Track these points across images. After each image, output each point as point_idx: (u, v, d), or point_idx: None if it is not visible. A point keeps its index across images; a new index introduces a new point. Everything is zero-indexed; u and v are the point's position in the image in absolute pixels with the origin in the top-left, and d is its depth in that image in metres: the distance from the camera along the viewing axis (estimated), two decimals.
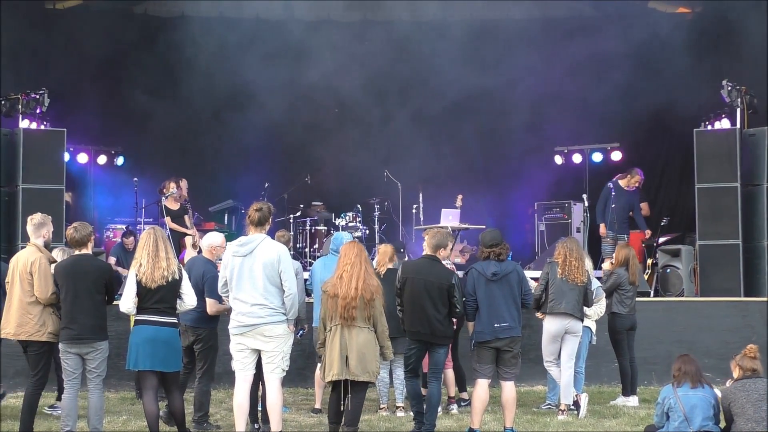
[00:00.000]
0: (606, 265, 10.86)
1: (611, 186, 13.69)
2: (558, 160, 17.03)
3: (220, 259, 8.75)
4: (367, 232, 15.52)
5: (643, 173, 13.85)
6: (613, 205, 13.51)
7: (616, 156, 16.52)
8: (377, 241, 15.38)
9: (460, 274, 13.97)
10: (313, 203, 15.95)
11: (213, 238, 9.34)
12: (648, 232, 14.00)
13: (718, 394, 7.48)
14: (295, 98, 15.92)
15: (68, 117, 14.06)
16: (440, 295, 8.57)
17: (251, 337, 7.95)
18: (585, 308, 9.87)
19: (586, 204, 14.13)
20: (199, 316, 8.86)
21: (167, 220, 13.62)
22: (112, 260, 13.62)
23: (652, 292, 13.16)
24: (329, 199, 16.25)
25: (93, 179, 16.19)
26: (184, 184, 14.06)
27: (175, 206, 13.76)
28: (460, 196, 14.49)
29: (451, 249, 9.45)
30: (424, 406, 8.69)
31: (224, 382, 10.66)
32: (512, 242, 15.52)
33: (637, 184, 13.77)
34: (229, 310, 8.30)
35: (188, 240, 10.86)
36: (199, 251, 9.79)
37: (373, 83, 15.71)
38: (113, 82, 15.71)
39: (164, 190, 13.77)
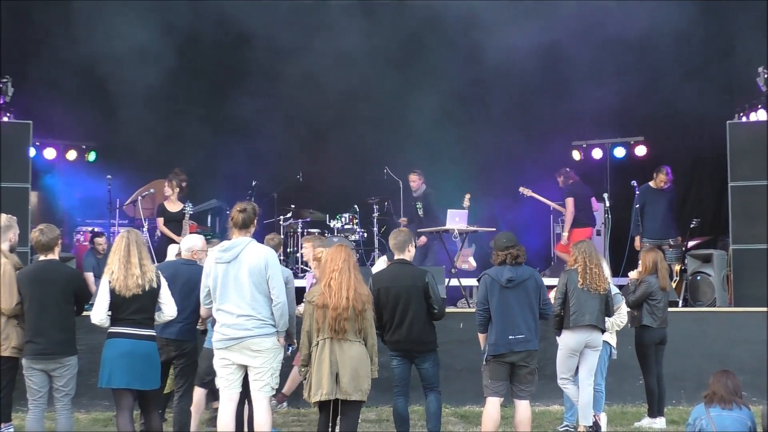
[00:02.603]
0: (633, 274, 10.79)
1: (640, 190, 13.69)
2: (576, 155, 17.00)
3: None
4: (365, 235, 15.52)
5: (670, 170, 13.81)
6: (647, 209, 13.56)
7: (641, 151, 16.50)
8: (376, 245, 15.37)
9: (468, 281, 14.23)
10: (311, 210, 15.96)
11: (193, 241, 9.31)
12: (678, 238, 13.98)
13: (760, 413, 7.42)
14: (286, 86, 15.88)
15: (34, 108, 14.02)
16: (418, 297, 8.70)
17: (237, 351, 7.90)
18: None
19: (608, 204, 14.09)
20: (184, 329, 8.79)
21: (159, 221, 13.58)
22: (90, 276, 13.31)
23: (680, 302, 13.13)
24: (323, 199, 16.22)
25: (62, 177, 16.14)
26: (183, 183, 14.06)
27: (174, 208, 13.71)
28: (467, 196, 14.43)
29: (415, 247, 9.37)
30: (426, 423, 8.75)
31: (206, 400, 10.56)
32: (525, 247, 15.59)
33: (664, 184, 13.73)
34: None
35: (172, 249, 10.62)
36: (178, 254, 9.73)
37: (372, 71, 15.69)
38: (83, 69, 15.64)
39: (170, 188, 13.66)
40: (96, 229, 14.56)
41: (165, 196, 13.87)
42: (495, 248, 8.91)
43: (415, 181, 14.90)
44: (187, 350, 8.94)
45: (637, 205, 13.66)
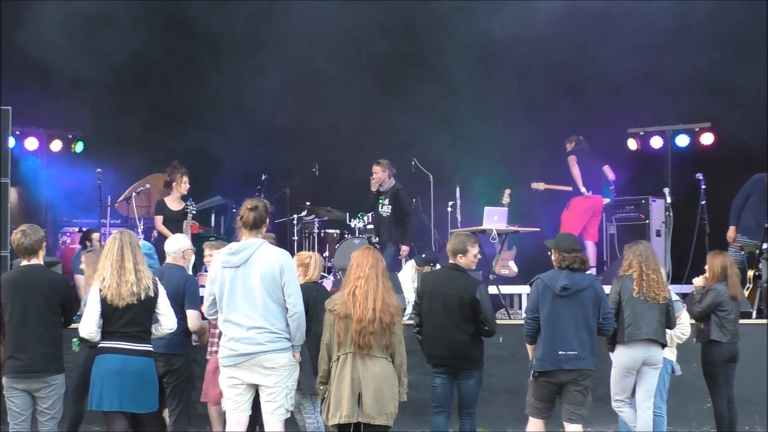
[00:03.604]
0: (698, 281, 10.73)
1: (753, 180, 13.70)
2: (632, 144, 16.90)
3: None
4: None
5: None
6: (751, 202, 13.62)
7: (707, 139, 16.39)
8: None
9: (508, 289, 14.18)
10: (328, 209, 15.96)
11: (181, 241, 9.44)
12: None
13: None
14: (299, 67, 15.89)
15: (13, 93, 14.07)
16: (462, 311, 8.83)
17: (247, 369, 7.88)
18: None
19: (669, 200, 14.03)
20: (174, 340, 8.83)
21: (158, 219, 13.61)
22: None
23: (754, 313, 13.03)
24: (342, 195, 16.21)
25: (45, 170, 16.21)
26: (186, 177, 14.07)
27: (177, 206, 13.74)
28: (507, 191, 14.41)
29: (475, 255, 9.48)
30: None
31: (204, 422, 10.60)
32: None
33: None
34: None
35: None
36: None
37: (399, 47, 15.70)
38: (70, 49, 15.69)
39: (183, 185, 13.71)
40: (82, 228, 14.57)
41: (167, 192, 13.88)
42: (558, 250, 8.94)
43: (379, 173, 14.39)
44: (177, 366, 9.00)
45: (743, 196, 13.72)
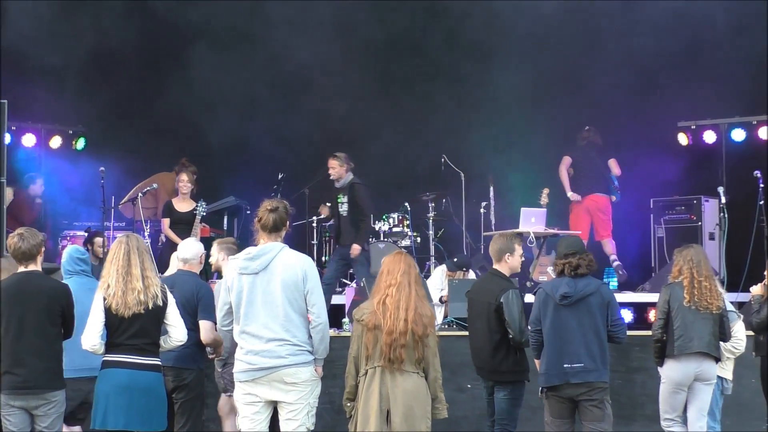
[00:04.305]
0: (756, 289, 10.64)
1: None
2: (683, 139, 16.86)
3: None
4: (418, 240, 15.47)
5: None
6: None
7: (765, 133, 16.31)
8: (432, 253, 15.33)
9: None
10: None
11: (198, 246, 9.47)
12: None
13: None
14: (320, 57, 15.92)
15: (10, 85, 14.14)
16: (490, 318, 9.15)
17: (266, 384, 7.88)
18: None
19: (723, 200, 13.98)
20: (184, 353, 8.85)
21: (165, 223, 13.66)
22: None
23: None
24: None
25: (44, 169, 16.27)
26: (184, 176, 14.10)
27: (184, 207, 13.76)
28: (546, 191, 14.39)
29: (521, 255, 9.66)
30: None
31: None
32: (619, 252, 15.59)
33: None
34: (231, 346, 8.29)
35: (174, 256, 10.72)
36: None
37: (427, 35, 15.70)
38: (71, 39, 15.76)
39: (179, 183, 13.76)
40: (89, 229, 14.61)
41: (176, 191, 13.91)
42: (556, 256, 9.06)
43: (336, 168, 14.02)
44: (187, 381, 9.03)
45: None
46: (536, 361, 9.06)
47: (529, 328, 8.97)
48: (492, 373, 9.34)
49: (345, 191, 13.98)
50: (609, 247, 15.40)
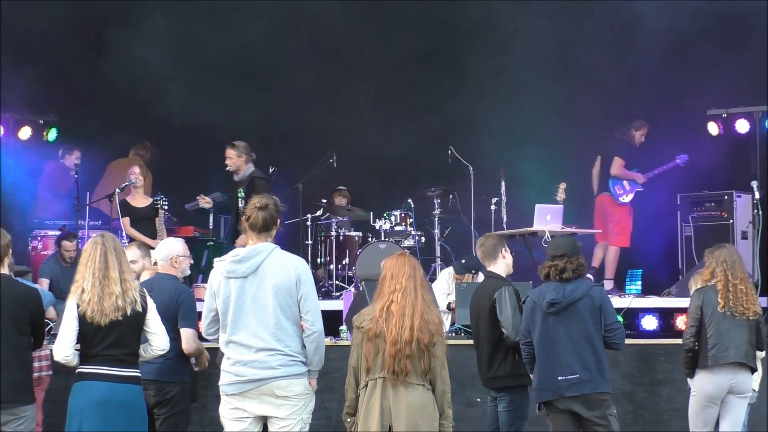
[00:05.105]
0: None
1: None
2: (713, 129, 16.84)
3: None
4: (423, 240, 15.47)
5: None
6: None
7: None
8: (438, 254, 15.34)
9: None
10: (338, 188, 15.94)
11: (171, 245, 9.43)
12: None
13: None
14: (311, 35, 15.94)
15: None
16: (485, 319, 9.42)
17: (255, 398, 7.88)
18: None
19: (757, 195, 14.01)
20: (166, 365, 8.86)
21: (125, 222, 13.66)
22: (45, 283, 13.61)
23: None
24: (366, 191, 16.21)
25: (11, 162, 16.26)
26: (136, 169, 14.11)
27: (141, 202, 13.79)
28: (562, 186, 14.38)
29: (508, 257, 9.80)
30: None
31: None
32: (643, 253, 15.63)
33: None
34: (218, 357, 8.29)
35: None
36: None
37: (431, 15, 15.72)
38: (42, 23, 15.77)
39: (130, 176, 13.83)
40: (65, 227, 14.59)
41: (127, 184, 13.90)
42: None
43: (233, 158, 14.06)
44: (170, 395, 9.02)
45: None
46: (532, 376, 9.07)
47: (519, 340, 9.01)
48: (489, 380, 9.49)
49: (244, 184, 14.05)
50: (606, 256, 15.70)
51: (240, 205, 13.88)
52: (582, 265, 8.90)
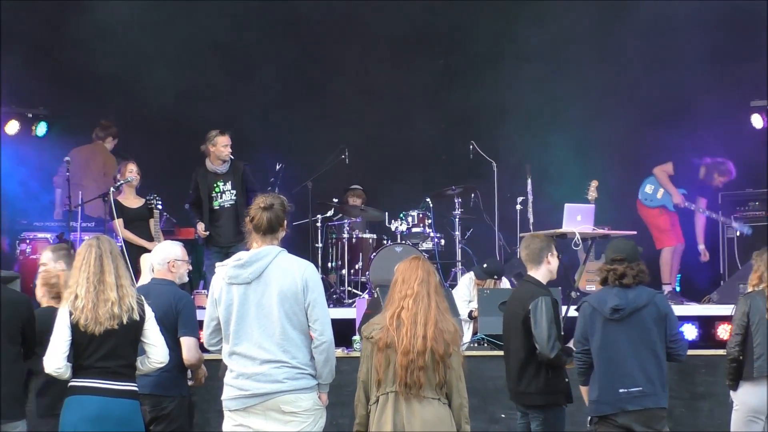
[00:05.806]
0: None
1: None
2: (757, 121, 16.83)
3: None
4: (443, 242, 15.48)
5: None
6: None
7: None
8: (459, 257, 15.35)
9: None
10: (352, 187, 15.96)
11: (168, 249, 9.46)
12: None
13: None
14: (321, 23, 15.99)
15: None
16: (517, 331, 9.28)
17: (260, 414, 7.87)
18: None
19: None
20: (164, 378, 8.89)
21: (118, 224, 13.70)
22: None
23: None
24: (381, 190, 16.24)
25: None
26: (132, 166, 14.16)
27: (134, 202, 13.84)
28: (594, 184, 14.36)
29: (559, 258, 9.75)
30: None
31: None
32: (682, 258, 15.56)
33: None
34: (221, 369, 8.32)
35: (144, 259, 10.58)
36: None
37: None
38: (33, 14, 15.83)
39: (119, 176, 13.89)
40: (62, 234, 14.62)
41: (120, 183, 13.93)
42: (604, 261, 9.07)
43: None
44: (168, 410, 9.07)
45: None
46: (582, 389, 9.05)
47: (574, 348, 8.99)
48: (519, 395, 9.37)
49: (228, 176, 14.24)
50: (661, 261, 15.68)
51: (228, 201, 14.19)
52: (643, 271, 8.89)
